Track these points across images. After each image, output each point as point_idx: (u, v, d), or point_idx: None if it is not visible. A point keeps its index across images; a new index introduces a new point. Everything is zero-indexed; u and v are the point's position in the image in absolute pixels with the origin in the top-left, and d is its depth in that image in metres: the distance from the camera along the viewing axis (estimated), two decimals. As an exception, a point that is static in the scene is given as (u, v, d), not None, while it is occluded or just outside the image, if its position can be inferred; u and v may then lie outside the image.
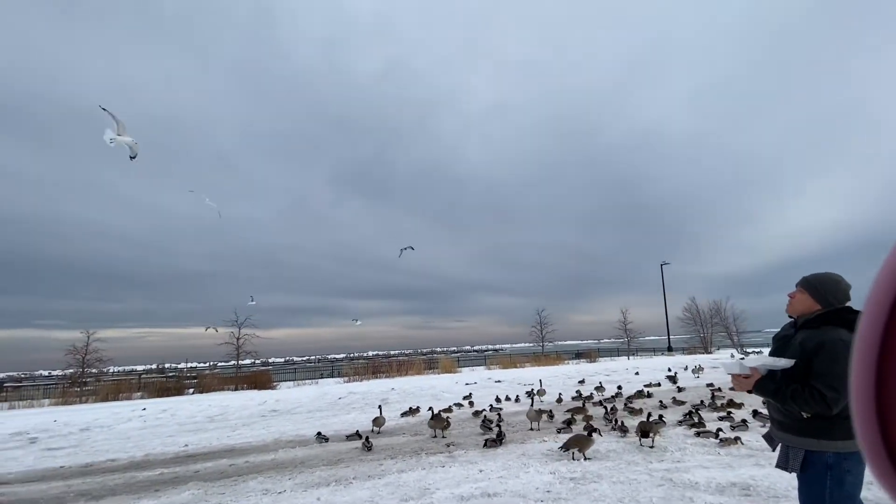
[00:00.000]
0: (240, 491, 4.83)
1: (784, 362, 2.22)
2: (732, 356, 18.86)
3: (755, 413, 6.82)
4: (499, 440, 6.27)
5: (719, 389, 10.19)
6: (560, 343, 35.38)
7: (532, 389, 10.45)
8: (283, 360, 67.39)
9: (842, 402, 2.01)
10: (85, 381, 20.20)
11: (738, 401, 8.31)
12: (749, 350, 23.14)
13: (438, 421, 6.85)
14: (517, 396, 10.68)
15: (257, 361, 30.19)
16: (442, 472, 5.14)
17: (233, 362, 24.39)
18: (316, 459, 6.07)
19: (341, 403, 11.35)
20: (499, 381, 14.10)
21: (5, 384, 25.92)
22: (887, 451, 0.35)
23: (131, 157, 10.61)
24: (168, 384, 18.11)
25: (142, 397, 15.96)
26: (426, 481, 4.84)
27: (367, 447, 6.39)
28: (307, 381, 20.09)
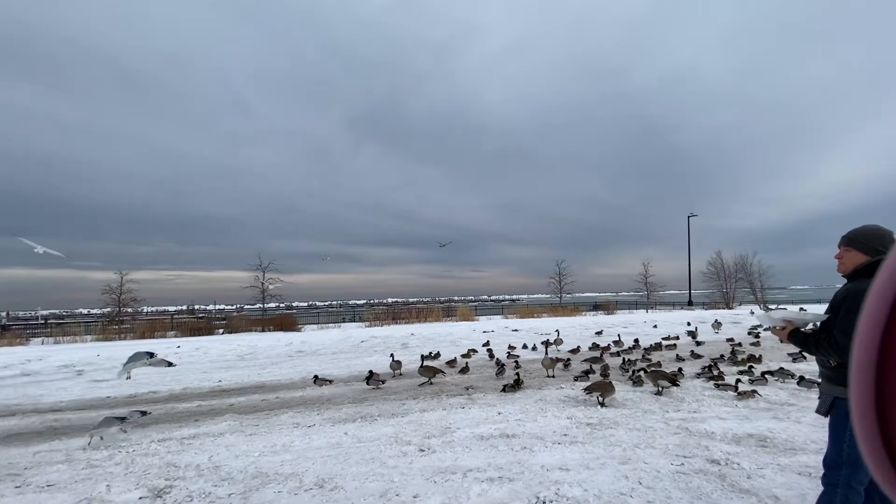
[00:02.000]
0: (272, 423, 5.16)
1: (812, 315, 2.36)
2: (752, 313, 18.66)
3: (768, 372, 6.80)
4: (517, 385, 6.45)
5: (739, 344, 10.16)
6: (578, 295, 35.61)
7: (548, 339, 10.63)
8: (306, 304, 70.11)
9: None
10: (122, 320, 21.50)
11: (757, 355, 8.29)
12: (771, 306, 22.84)
13: (428, 370, 7.09)
14: (534, 345, 10.89)
15: (282, 305, 31.46)
16: (462, 413, 5.36)
17: (258, 305, 25.49)
18: (342, 397, 6.39)
19: (364, 346, 11.82)
20: (515, 330, 14.38)
21: (49, 321, 27.81)
22: (886, 449, 0.37)
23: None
24: (199, 324, 19.14)
25: (175, 336, 16.94)
26: (447, 421, 5.06)
27: (376, 386, 6.87)
28: (330, 325, 20.93)
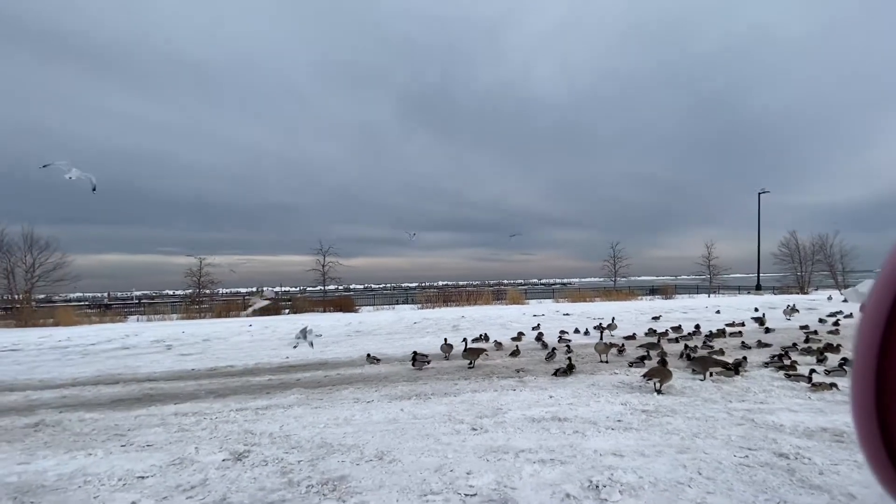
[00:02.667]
0: (335, 398, 5.55)
1: None
2: (830, 298, 16.97)
3: (844, 360, 6.21)
4: (569, 370, 6.42)
5: (815, 332, 9.35)
6: (634, 279, 34.11)
7: (601, 323, 10.38)
8: (362, 287, 72.91)
9: None
10: (202, 301, 23.67)
11: (836, 344, 7.60)
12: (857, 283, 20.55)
13: (472, 353, 7.19)
14: (586, 329, 10.69)
15: (340, 287, 33.02)
16: (513, 395, 5.44)
17: (319, 287, 26.98)
18: (397, 376, 6.71)
19: (416, 328, 12.21)
20: (567, 314, 14.16)
21: (143, 301, 31.22)
22: (887, 449, 0.37)
23: (93, 190, 13.56)
24: (268, 305, 20.62)
25: (251, 313, 18.41)
26: (498, 402, 5.17)
27: (418, 367, 7.12)
28: (385, 307, 21.77)
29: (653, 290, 26.32)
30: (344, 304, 20.35)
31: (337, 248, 26.91)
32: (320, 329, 12.12)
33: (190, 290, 25.14)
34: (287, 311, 19.57)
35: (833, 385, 5.29)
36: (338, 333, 11.63)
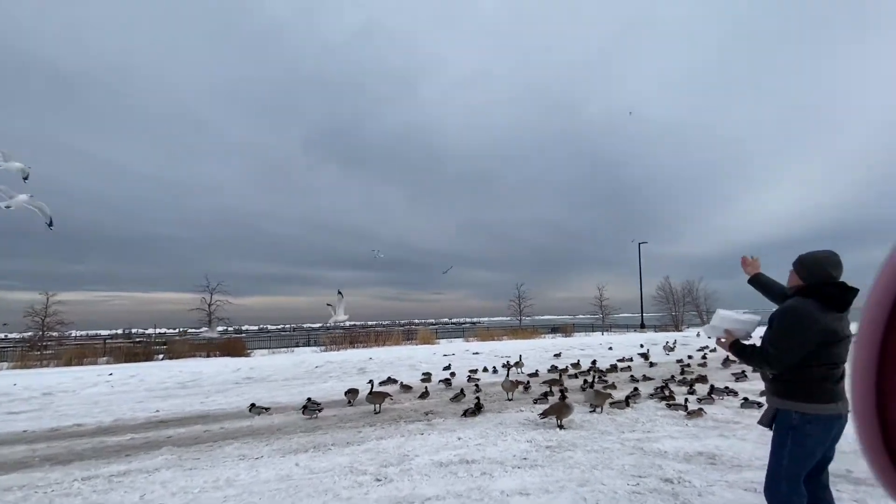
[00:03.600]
0: (216, 456, 4.76)
1: (748, 321, 2.52)
2: (698, 335, 19.71)
3: (711, 388, 7.18)
4: (477, 410, 6.37)
5: (689, 366, 10.65)
6: (537, 318, 36.14)
7: (508, 361, 10.65)
8: (256, 328, 66.79)
9: (781, 360, 2.24)
10: (45, 345, 19.48)
11: (704, 375, 8.71)
12: (710, 313, 24.15)
13: (377, 396, 6.87)
14: (494, 368, 10.88)
15: (230, 329, 29.74)
16: (421, 440, 5.20)
17: (204, 329, 23.96)
18: (293, 426, 6.03)
19: (318, 372, 11.32)
20: (476, 353, 14.33)
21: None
22: (887, 450, 0.36)
23: (49, 225, 10.28)
24: (136, 349, 17.64)
25: (108, 362, 15.50)
26: (405, 448, 4.88)
27: (309, 416, 6.47)
28: (282, 350, 19.97)
29: (554, 329, 28.03)
30: (233, 347, 18.22)
31: (227, 286, 24.29)
32: (202, 377, 10.62)
33: (30, 333, 20.61)
34: (161, 356, 16.92)
35: (702, 411, 5.96)
36: (224, 381, 10.26)
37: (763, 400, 6.35)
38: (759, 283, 2.81)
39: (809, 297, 2.24)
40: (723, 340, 2.57)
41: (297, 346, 21.83)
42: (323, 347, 18.71)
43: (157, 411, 7.29)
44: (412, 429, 5.71)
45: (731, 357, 2.98)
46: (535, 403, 6.94)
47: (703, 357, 12.29)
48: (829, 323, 2.18)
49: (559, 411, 5.56)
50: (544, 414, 5.63)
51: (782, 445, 2.32)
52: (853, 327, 2.27)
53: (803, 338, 2.19)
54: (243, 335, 30.88)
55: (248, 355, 17.49)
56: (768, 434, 2.44)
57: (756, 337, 2.43)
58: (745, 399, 6.43)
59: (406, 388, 8.47)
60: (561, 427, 5.52)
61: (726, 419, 5.80)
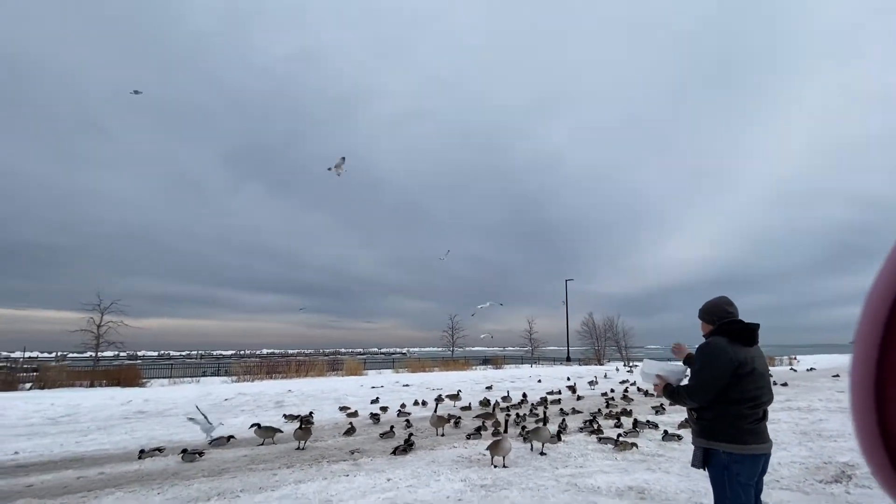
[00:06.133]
0: (87, 511, 3.88)
1: (678, 368, 2.76)
2: (618, 369, 20.86)
3: (635, 422, 7.46)
4: (408, 447, 5.97)
5: (612, 399, 11.08)
6: (469, 349, 36.19)
7: (441, 395, 10.33)
8: (156, 353, 59.59)
9: (703, 391, 2.44)
10: None
11: (628, 409, 9.07)
12: (633, 364, 25.77)
13: (305, 432, 6.30)
14: (424, 401, 10.47)
15: (123, 354, 26.04)
16: (346, 482, 4.70)
17: (90, 353, 20.69)
18: (194, 469, 5.19)
19: (227, 405, 10.11)
20: (407, 385, 13.79)
21: None
22: (887, 450, 0.36)
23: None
24: (-5, 377, 14.63)
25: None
26: (328, 492, 4.37)
27: (188, 460, 5.55)
28: (186, 380, 17.73)
29: (486, 360, 28.11)
30: (124, 375, 15.78)
31: (124, 305, 21.33)
32: (80, 410, 8.97)
33: None
34: (29, 385, 14.18)
35: (634, 445, 6.10)
36: (108, 416, 8.75)
37: (682, 433, 6.71)
38: (667, 389, 2.95)
39: (720, 335, 2.52)
40: (657, 384, 2.77)
41: (205, 376, 19.54)
42: (235, 378, 16.87)
43: (17, 453, 5.96)
44: (336, 469, 5.17)
45: (665, 399, 3.27)
46: (468, 439, 6.69)
47: (625, 391, 12.93)
48: (737, 353, 2.40)
49: (496, 449, 5.35)
50: (491, 450, 5.37)
51: (720, 483, 2.41)
52: (764, 362, 2.51)
53: (719, 368, 2.39)
54: (138, 361, 27.18)
55: (142, 385, 15.28)
56: (690, 468, 2.62)
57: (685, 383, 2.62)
58: (665, 432, 6.73)
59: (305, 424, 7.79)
60: (505, 465, 5.31)
61: (651, 452, 5.98)
